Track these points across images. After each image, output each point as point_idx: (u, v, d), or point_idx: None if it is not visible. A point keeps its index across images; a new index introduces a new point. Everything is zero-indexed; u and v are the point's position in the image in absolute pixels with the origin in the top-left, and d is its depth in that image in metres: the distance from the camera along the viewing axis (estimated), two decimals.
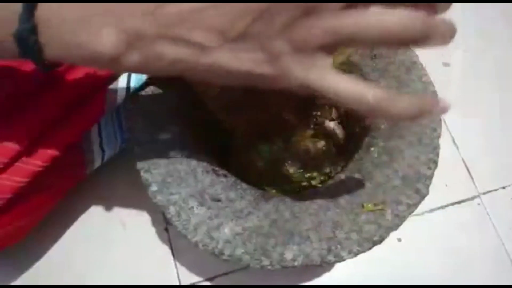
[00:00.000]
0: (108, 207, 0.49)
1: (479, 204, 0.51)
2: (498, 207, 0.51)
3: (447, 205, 0.51)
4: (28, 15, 0.21)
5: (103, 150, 0.41)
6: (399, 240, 0.49)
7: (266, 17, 0.20)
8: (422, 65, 0.37)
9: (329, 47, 0.21)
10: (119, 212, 0.49)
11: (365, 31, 0.20)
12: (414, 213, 0.34)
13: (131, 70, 0.23)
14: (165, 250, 0.48)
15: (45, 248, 0.47)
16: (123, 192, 0.49)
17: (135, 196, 0.49)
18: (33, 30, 0.22)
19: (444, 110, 0.23)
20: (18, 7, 0.22)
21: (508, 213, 0.51)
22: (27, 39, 0.22)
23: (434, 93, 0.37)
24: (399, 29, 0.20)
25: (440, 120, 0.36)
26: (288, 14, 0.20)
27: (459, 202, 0.51)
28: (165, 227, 0.49)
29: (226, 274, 0.47)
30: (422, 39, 0.21)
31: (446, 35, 0.21)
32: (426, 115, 0.23)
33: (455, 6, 0.22)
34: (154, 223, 0.49)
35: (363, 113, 0.22)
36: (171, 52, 0.21)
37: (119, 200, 0.49)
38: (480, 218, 0.51)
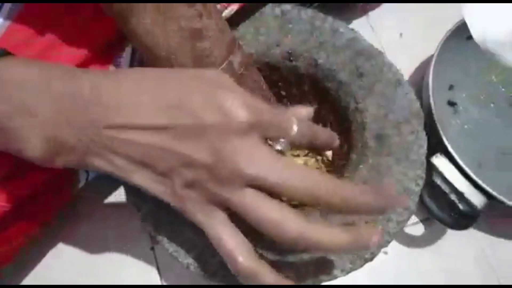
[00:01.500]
0: (93, 226, 0.48)
1: None
2: None
3: (430, 218, 0.52)
4: None
5: (87, 171, 0.41)
6: (386, 253, 0.49)
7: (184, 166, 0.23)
8: (407, 82, 0.38)
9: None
10: (104, 231, 0.48)
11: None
12: None
13: (63, 167, 0.25)
14: (151, 270, 0.47)
15: (23, 274, 0.46)
16: (107, 210, 0.48)
17: (119, 214, 0.48)
18: None
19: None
20: None
21: None
22: None
23: (419, 109, 0.38)
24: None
25: (426, 137, 0.36)
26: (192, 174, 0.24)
27: None
28: (151, 246, 0.48)
29: None
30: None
31: None
32: None
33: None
34: (140, 242, 0.48)
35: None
36: (96, 164, 0.24)
37: (103, 219, 0.48)
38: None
